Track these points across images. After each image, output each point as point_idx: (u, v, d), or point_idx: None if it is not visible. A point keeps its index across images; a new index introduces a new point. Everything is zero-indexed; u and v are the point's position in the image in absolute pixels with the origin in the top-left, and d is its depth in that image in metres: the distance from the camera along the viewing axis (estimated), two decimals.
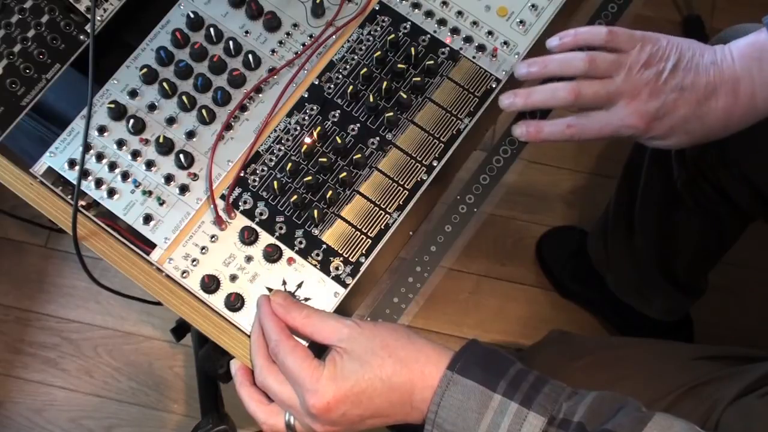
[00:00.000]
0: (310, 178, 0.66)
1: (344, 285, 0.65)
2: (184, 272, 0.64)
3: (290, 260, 0.65)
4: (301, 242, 0.66)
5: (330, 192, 0.66)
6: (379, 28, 0.72)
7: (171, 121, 0.68)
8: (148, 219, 0.65)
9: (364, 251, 0.66)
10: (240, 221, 0.66)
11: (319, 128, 0.68)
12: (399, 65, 0.69)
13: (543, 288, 1.42)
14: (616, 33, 0.66)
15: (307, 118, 0.69)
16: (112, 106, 0.67)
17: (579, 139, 0.67)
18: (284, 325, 0.60)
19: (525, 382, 0.55)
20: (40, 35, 0.67)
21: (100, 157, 0.67)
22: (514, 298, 1.41)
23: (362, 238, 0.66)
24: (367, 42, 0.71)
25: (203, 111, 0.67)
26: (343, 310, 0.65)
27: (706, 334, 1.34)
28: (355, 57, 0.71)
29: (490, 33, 0.72)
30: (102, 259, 0.65)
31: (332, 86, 0.70)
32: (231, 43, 0.69)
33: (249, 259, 0.65)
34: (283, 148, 0.68)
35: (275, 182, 0.66)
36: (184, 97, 0.67)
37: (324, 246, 0.66)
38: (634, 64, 0.64)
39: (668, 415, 0.53)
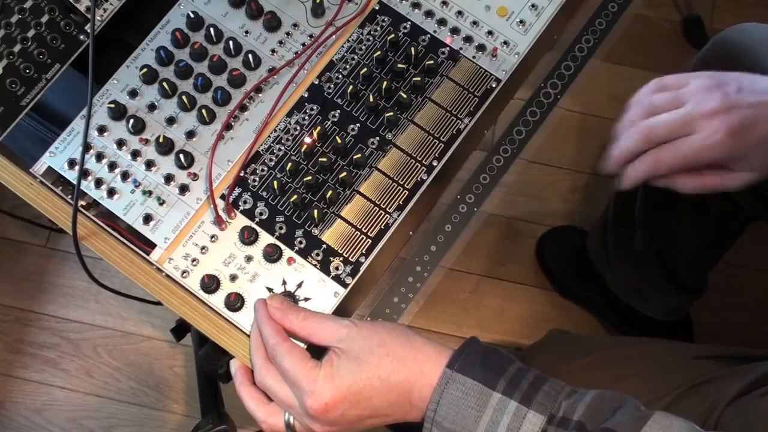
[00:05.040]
0: (310, 178, 0.66)
1: (344, 285, 0.65)
2: (184, 272, 0.64)
3: (290, 260, 0.65)
4: (301, 242, 0.66)
5: (330, 192, 0.66)
6: (379, 28, 0.72)
7: (171, 121, 0.68)
8: (148, 219, 0.65)
9: (364, 251, 0.66)
10: (240, 221, 0.66)
11: (319, 128, 0.68)
12: (399, 65, 0.69)
13: (543, 288, 1.42)
14: (664, 83, 0.63)
15: (307, 118, 0.69)
16: (112, 106, 0.67)
17: (660, 168, 0.62)
18: (281, 328, 0.60)
19: (524, 380, 0.55)
20: (40, 35, 0.67)
21: (100, 157, 0.67)
22: (514, 298, 1.41)
23: (362, 238, 0.66)
24: (367, 42, 0.71)
25: (203, 111, 0.67)
26: (343, 310, 0.65)
27: (706, 334, 1.34)
28: (355, 57, 0.71)
29: (490, 33, 0.72)
30: (102, 259, 0.65)
31: (332, 86, 0.70)
32: (231, 43, 0.69)
33: (249, 258, 0.65)
34: (283, 147, 0.68)
35: (275, 182, 0.66)
36: (184, 97, 0.67)
37: (324, 246, 0.66)
38: (695, 91, 0.61)
39: (667, 413, 0.53)
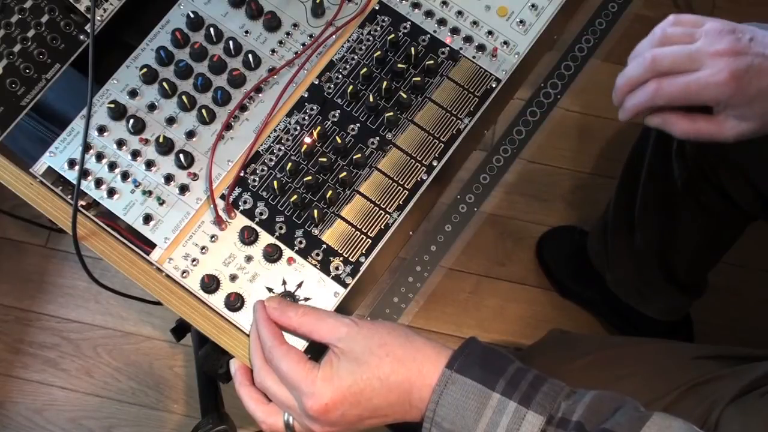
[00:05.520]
0: (310, 177, 0.66)
1: (344, 285, 0.65)
2: (184, 272, 0.64)
3: (290, 260, 0.65)
4: (301, 242, 0.66)
5: (330, 192, 0.66)
6: (379, 28, 0.72)
7: (171, 121, 0.68)
8: (148, 219, 0.65)
9: (364, 251, 0.66)
10: (240, 221, 0.66)
11: (319, 128, 0.68)
12: (399, 65, 0.69)
13: (543, 288, 1.42)
14: (681, 19, 0.63)
15: (307, 117, 0.69)
16: (112, 106, 0.67)
17: (660, 97, 0.62)
18: (277, 330, 0.60)
19: (524, 380, 0.55)
20: (40, 35, 0.67)
21: (100, 157, 0.67)
22: (514, 298, 1.41)
23: (362, 238, 0.66)
24: (367, 42, 0.71)
25: (203, 111, 0.67)
26: (343, 310, 0.65)
27: (706, 334, 1.34)
28: (355, 57, 0.71)
29: (490, 33, 0.72)
30: (102, 259, 0.65)
31: (332, 86, 0.70)
32: (231, 43, 0.69)
33: (249, 258, 0.65)
34: (283, 147, 0.68)
35: (275, 182, 0.66)
36: (184, 97, 0.67)
37: (324, 246, 0.66)
38: (709, 31, 0.61)
39: (666, 414, 0.53)
